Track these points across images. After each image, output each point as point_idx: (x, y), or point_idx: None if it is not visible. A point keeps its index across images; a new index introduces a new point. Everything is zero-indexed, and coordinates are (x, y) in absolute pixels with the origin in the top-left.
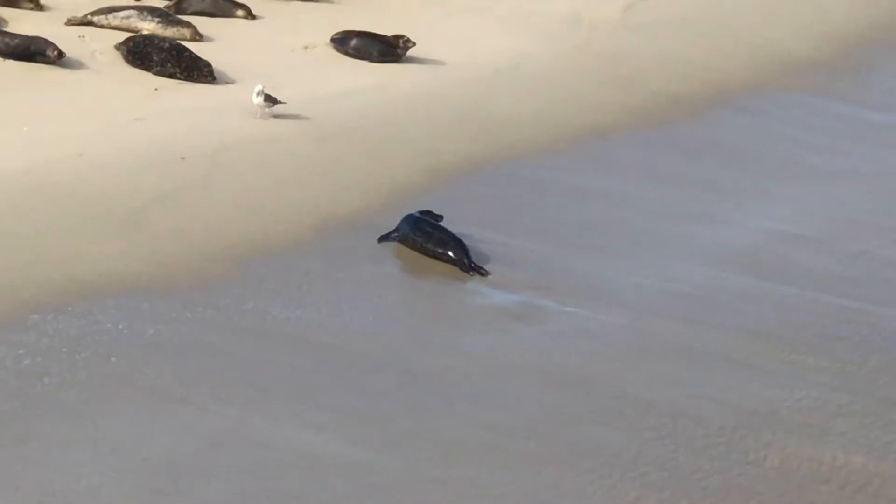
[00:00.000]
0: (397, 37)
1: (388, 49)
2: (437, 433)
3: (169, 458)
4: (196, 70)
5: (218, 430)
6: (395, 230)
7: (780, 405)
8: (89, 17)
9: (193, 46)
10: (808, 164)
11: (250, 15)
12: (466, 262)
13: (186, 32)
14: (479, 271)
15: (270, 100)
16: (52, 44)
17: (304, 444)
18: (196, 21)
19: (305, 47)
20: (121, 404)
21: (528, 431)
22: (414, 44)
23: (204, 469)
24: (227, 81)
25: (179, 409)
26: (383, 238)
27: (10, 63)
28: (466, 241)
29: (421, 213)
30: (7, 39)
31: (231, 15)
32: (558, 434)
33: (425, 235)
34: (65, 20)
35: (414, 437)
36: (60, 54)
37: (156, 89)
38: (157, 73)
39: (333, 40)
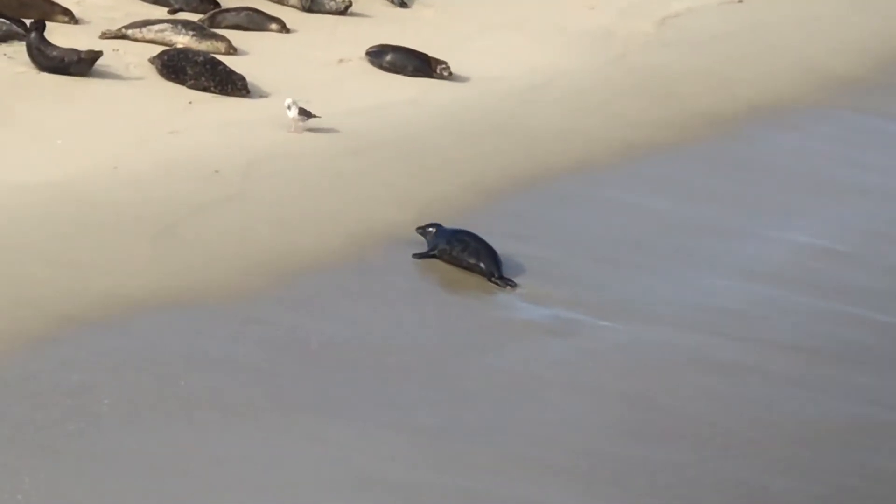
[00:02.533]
0: (437, 60)
1: (423, 66)
2: (471, 448)
3: (205, 472)
4: (230, 83)
5: (253, 444)
6: (432, 248)
7: (818, 419)
8: (123, 30)
9: (228, 60)
10: (842, 180)
11: (284, 28)
12: (496, 273)
13: (221, 46)
14: (508, 283)
15: (304, 113)
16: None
17: (338, 459)
18: (230, 34)
19: (340, 61)
20: (157, 418)
21: (563, 446)
22: (451, 74)
23: (239, 483)
24: (261, 95)
25: (215, 423)
26: (419, 255)
27: (45, 76)
28: (499, 254)
29: (455, 229)
30: (48, 52)
31: (265, 28)
32: (593, 448)
33: (462, 244)
34: (99, 33)
35: (449, 452)
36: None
37: (190, 103)
38: (191, 87)
39: (369, 54)
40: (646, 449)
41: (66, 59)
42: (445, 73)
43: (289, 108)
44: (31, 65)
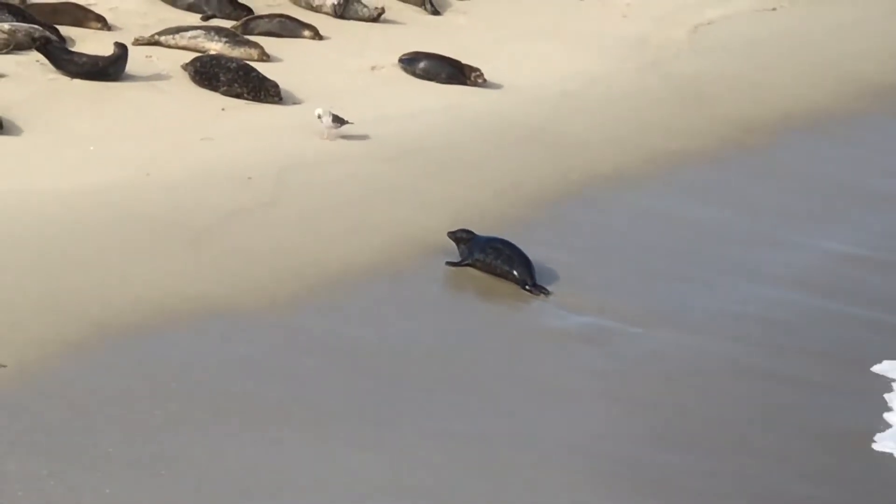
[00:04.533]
0: (471, 68)
1: (456, 73)
2: (503, 455)
3: (242, 477)
4: (263, 90)
5: (288, 450)
6: (467, 256)
7: (848, 427)
8: (157, 36)
9: (260, 67)
10: (876, 187)
11: (317, 35)
12: (530, 281)
13: (254, 53)
14: (542, 291)
15: (338, 120)
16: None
17: (372, 466)
18: (263, 41)
19: (373, 68)
20: (193, 425)
21: (594, 453)
22: (485, 81)
23: (276, 489)
24: (294, 102)
25: (250, 429)
26: (453, 263)
27: (78, 82)
28: (533, 262)
29: (489, 237)
30: (76, 59)
31: (298, 35)
32: (625, 455)
33: (496, 252)
34: (132, 40)
35: (482, 459)
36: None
37: (223, 109)
38: (224, 94)
39: (402, 60)
40: (676, 456)
41: (99, 63)
42: (479, 81)
43: (319, 117)
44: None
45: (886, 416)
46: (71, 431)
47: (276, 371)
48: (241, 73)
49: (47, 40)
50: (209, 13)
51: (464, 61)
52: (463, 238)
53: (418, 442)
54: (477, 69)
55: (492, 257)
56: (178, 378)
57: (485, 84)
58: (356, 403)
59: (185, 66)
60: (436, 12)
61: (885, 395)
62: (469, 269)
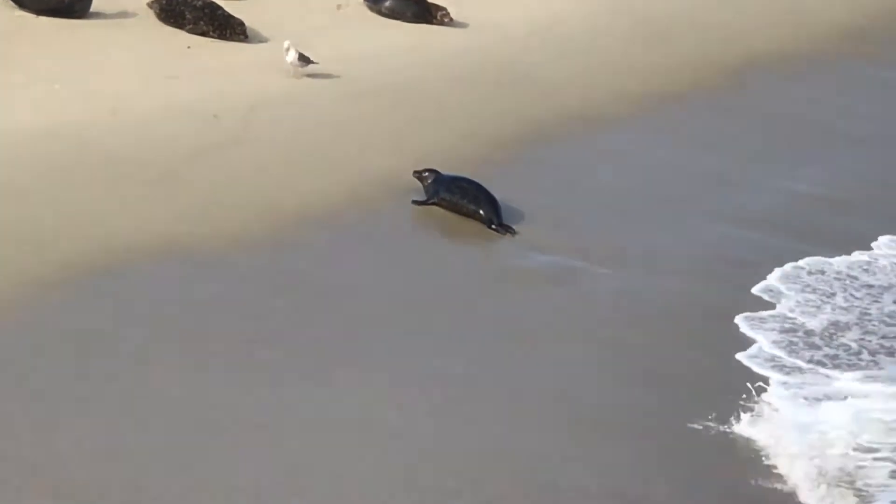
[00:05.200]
0: (437, 7)
1: (422, 12)
2: (468, 394)
3: (207, 416)
4: (229, 28)
5: (253, 389)
6: (432, 195)
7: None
8: None
9: (227, 5)
10: (841, 128)
11: None
12: (496, 220)
13: None
14: (509, 230)
15: (304, 59)
16: None
17: (340, 404)
18: None
19: (338, 6)
20: (159, 363)
21: (563, 394)
22: (452, 20)
23: (246, 427)
24: (260, 40)
25: (217, 368)
26: (419, 202)
27: (43, 20)
28: (499, 201)
29: (454, 176)
30: None
31: None
32: (593, 395)
33: (461, 191)
34: None
35: (445, 397)
36: None
37: (188, 47)
38: (190, 32)
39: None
40: (644, 396)
41: (64, 0)
42: (446, 20)
43: (287, 50)
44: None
45: None
46: (37, 369)
47: (241, 310)
48: (207, 11)
49: None
50: None
51: (430, 0)
52: (428, 177)
53: (385, 381)
54: (443, 8)
55: (458, 196)
56: (144, 316)
57: (451, 23)
58: (322, 343)
59: (151, 4)
60: None
61: None
62: (435, 207)
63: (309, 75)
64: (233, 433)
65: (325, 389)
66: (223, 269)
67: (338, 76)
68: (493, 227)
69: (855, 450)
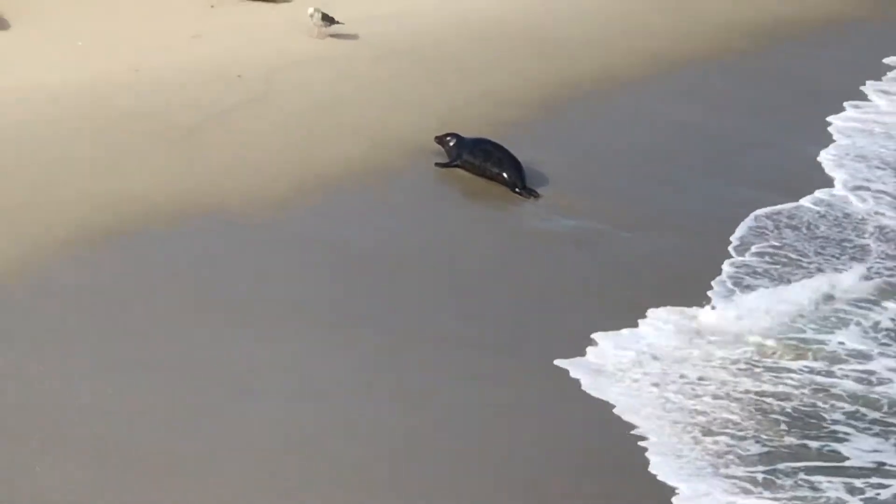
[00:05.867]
0: None
1: None
2: (492, 358)
3: (231, 374)
4: None
5: (274, 349)
6: (455, 157)
7: None
8: None
9: None
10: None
11: None
12: (520, 184)
13: None
14: (532, 194)
15: (327, 19)
16: None
17: (360, 366)
18: None
19: None
20: (180, 323)
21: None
22: None
23: (265, 386)
24: (283, 0)
25: (238, 328)
26: (442, 164)
27: None
28: (523, 165)
29: (476, 138)
30: None
31: None
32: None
33: (485, 154)
34: None
35: (469, 360)
36: None
37: (212, 6)
38: None
39: None
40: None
41: None
42: None
43: (311, 15)
44: None
45: None
46: (58, 328)
47: (262, 271)
48: None
49: None
50: None
51: None
52: (450, 140)
53: (408, 342)
54: None
55: (481, 159)
56: (164, 276)
57: None
58: (344, 304)
59: None
60: None
61: None
62: (458, 170)
63: (332, 35)
64: (248, 392)
65: (346, 351)
66: (244, 230)
67: (361, 37)
68: (517, 190)
69: None
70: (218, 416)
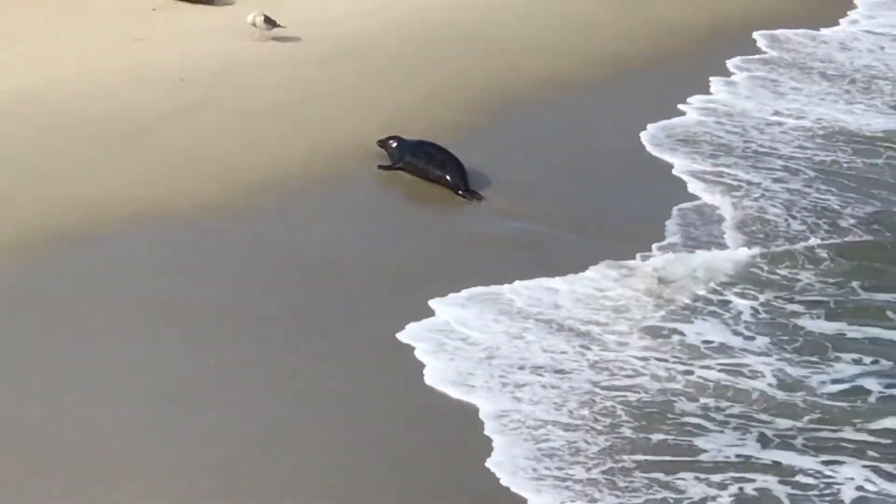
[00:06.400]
0: None
1: None
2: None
3: (174, 382)
4: None
5: (221, 354)
6: (398, 160)
7: None
8: None
9: None
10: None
11: None
12: (463, 186)
13: None
14: (475, 196)
15: (269, 22)
16: None
17: (303, 373)
18: None
19: None
20: (124, 330)
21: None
22: None
23: (206, 394)
24: (226, 3)
25: (181, 334)
26: (384, 167)
27: None
28: (465, 167)
29: (419, 141)
30: None
31: None
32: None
33: (427, 156)
34: None
35: (409, 368)
36: None
37: (153, 10)
38: None
39: None
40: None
41: None
42: None
43: (252, 23)
44: None
45: None
46: (3, 335)
47: (208, 275)
48: None
49: None
50: None
51: None
52: (392, 143)
53: (349, 348)
54: None
55: (423, 161)
56: (108, 282)
57: None
58: (289, 308)
59: None
60: None
61: None
62: (401, 173)
63: (274, 39)
64: (196, 402)
65: (292, 356)
66: (188, 234)
67: (303, 40)
68: (460, 192)
69: None
70: (168, 423)
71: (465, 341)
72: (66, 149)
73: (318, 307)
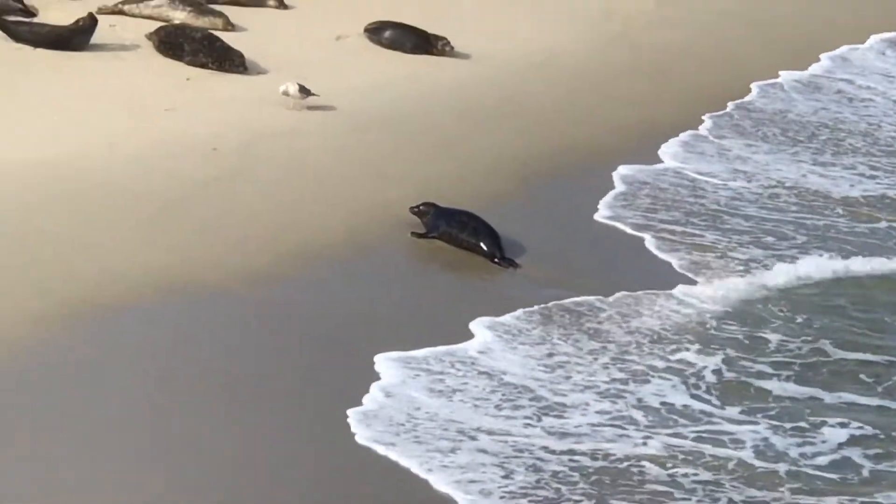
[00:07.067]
0: (437, 37)
1: (422, 42)
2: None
3: (211, 454)
4: (228, 60)
5: (263, 427)
6: (433, 228)
7: None
8: (120, 6)
9: (225, 36)
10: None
11: (282, 4)
12: (499, 254)
13: (218, 22)
14: (511, 264)
15: (304, 91)
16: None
17: (347, 441)
18: (228, 10)
19: (338, 37)
20: (160, 402)
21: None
22: (452, 49)
23: (251, 467)
24: (259, 72)
25: (216, 406)
26: (418, 235)
27: (41, 52)
28: (500, 235)
29: (453, 209)
30: (36, 29)
31: (262, 4)
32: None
33: (460, 225)
34: (96, 9)
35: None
36: None
37: (187, 79)
38: (188, 63)
39: (367, 30)
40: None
41: (63, 33)
42: (447, 49)
43: (286, 93)
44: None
45: None
46: (36, 409)
47: (243, 346)
48: (205, 42)
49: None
50: None
51: (430, 31)
52: (426, 211)
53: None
54: (444, 38)
55: (457, 230)
56: (143, 353)
57: (452, 53)
58: (326, 379)
59: (150, 36)
60: None
61: None
62: (435, 241)
63: (308, 107)
64: (239, 475)
65: (330, 426)
66: (222, 305)
67: (338, 108)
68: (496, 260)
69: None
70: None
71: None
72: (98, 219)
73: (356, 377)
